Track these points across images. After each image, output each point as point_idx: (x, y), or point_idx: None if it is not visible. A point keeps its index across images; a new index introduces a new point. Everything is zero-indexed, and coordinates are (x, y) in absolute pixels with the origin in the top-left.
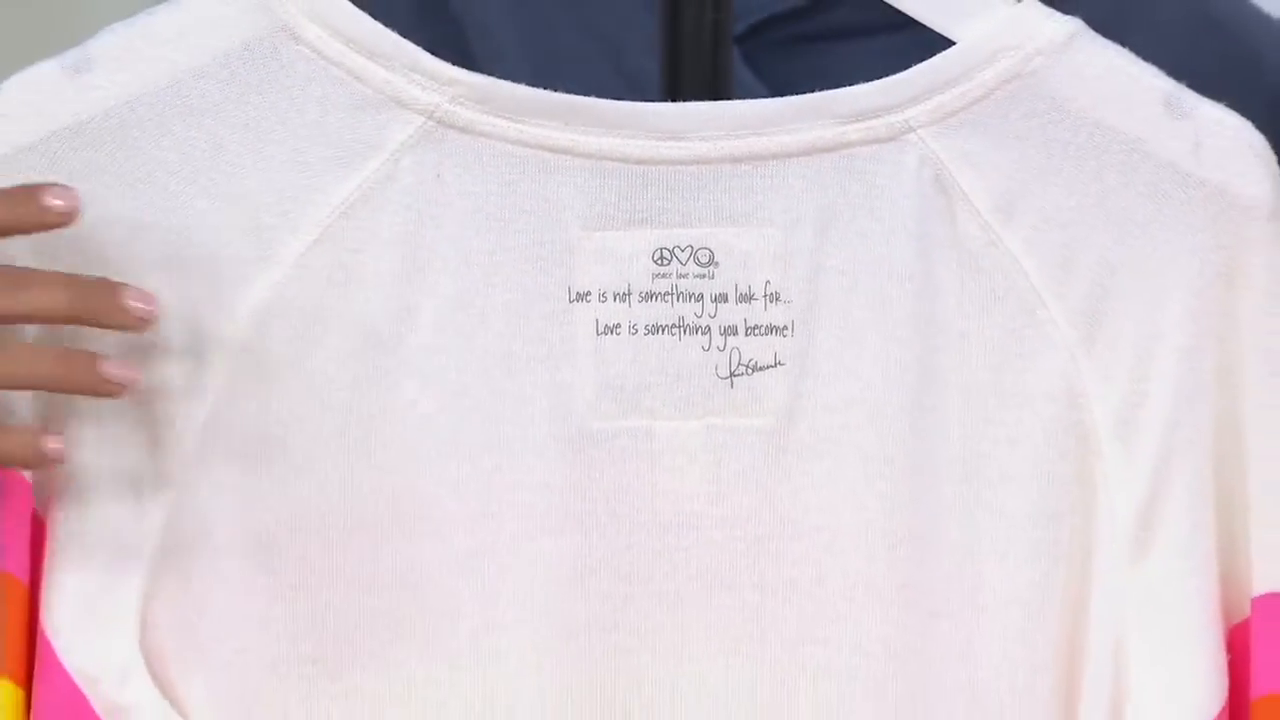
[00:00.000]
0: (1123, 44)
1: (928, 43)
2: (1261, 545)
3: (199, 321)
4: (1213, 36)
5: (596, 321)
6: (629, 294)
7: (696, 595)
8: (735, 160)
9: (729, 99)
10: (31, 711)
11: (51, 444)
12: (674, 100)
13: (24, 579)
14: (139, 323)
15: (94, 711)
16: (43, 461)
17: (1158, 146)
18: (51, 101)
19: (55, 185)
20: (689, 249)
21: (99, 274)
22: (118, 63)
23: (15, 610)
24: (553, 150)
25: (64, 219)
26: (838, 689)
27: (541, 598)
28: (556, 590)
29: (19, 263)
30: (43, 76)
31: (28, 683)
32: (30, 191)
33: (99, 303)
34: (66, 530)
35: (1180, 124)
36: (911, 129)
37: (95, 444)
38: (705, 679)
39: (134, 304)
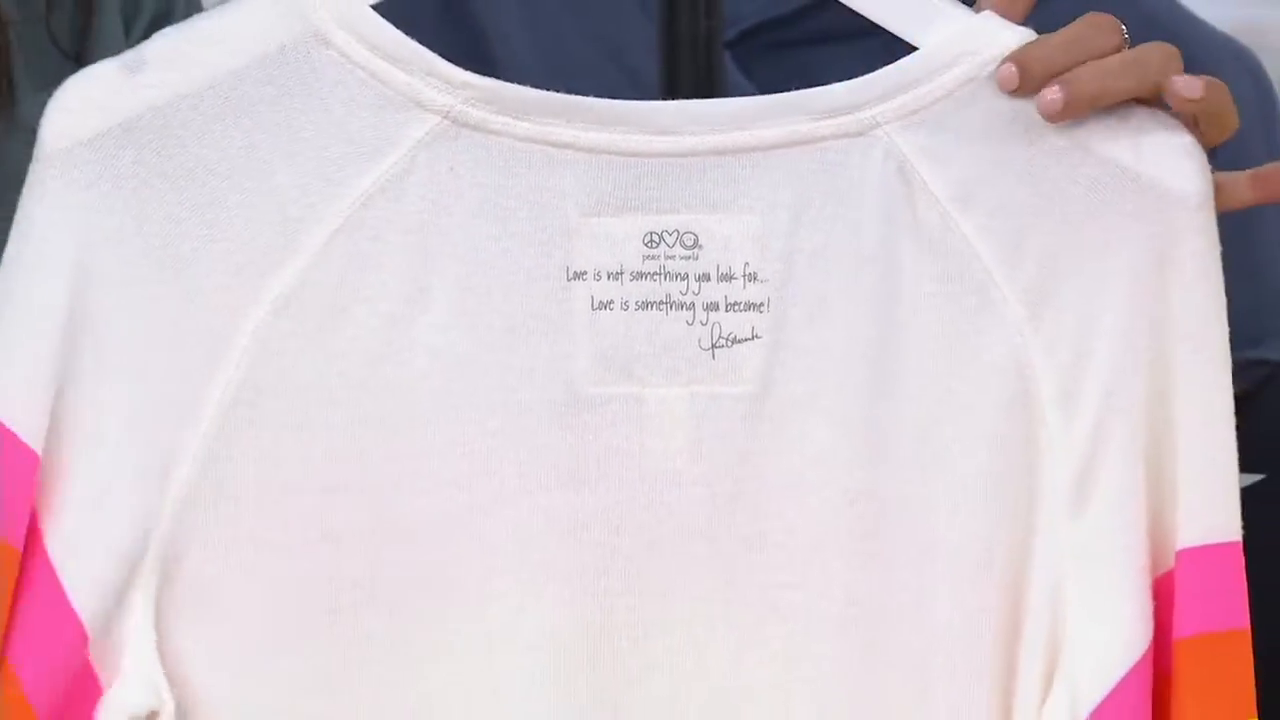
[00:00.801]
0: None
1: (899, 47)
2: (1186, 504)
3: (231, 301)
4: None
5: (592, 298)
6: (621, 273)
7: (679, 545)
8: (719, 153)
9: (721, 98)
10: (22, 641)
11: None
12: (671, 99)
13: (18, 546)
14: None
15: (87, 658)
16: None
17: (1100, 144)
18: (109, 98)
19: None
20: (676, 233)
21: (140, 264)
22: (168, 64)
23: (7, 577)
24: (555, 145)
25: None
26: (804, 630)
27: (539, 546)
28: (553, 540)
29: (84, 255)
30: (102, 75)
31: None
32: None
33: None
34: (86, 492)
35: (1121, 124)
36: (878, 125)
37: (124, 415)
38: (686, 620)
39: None
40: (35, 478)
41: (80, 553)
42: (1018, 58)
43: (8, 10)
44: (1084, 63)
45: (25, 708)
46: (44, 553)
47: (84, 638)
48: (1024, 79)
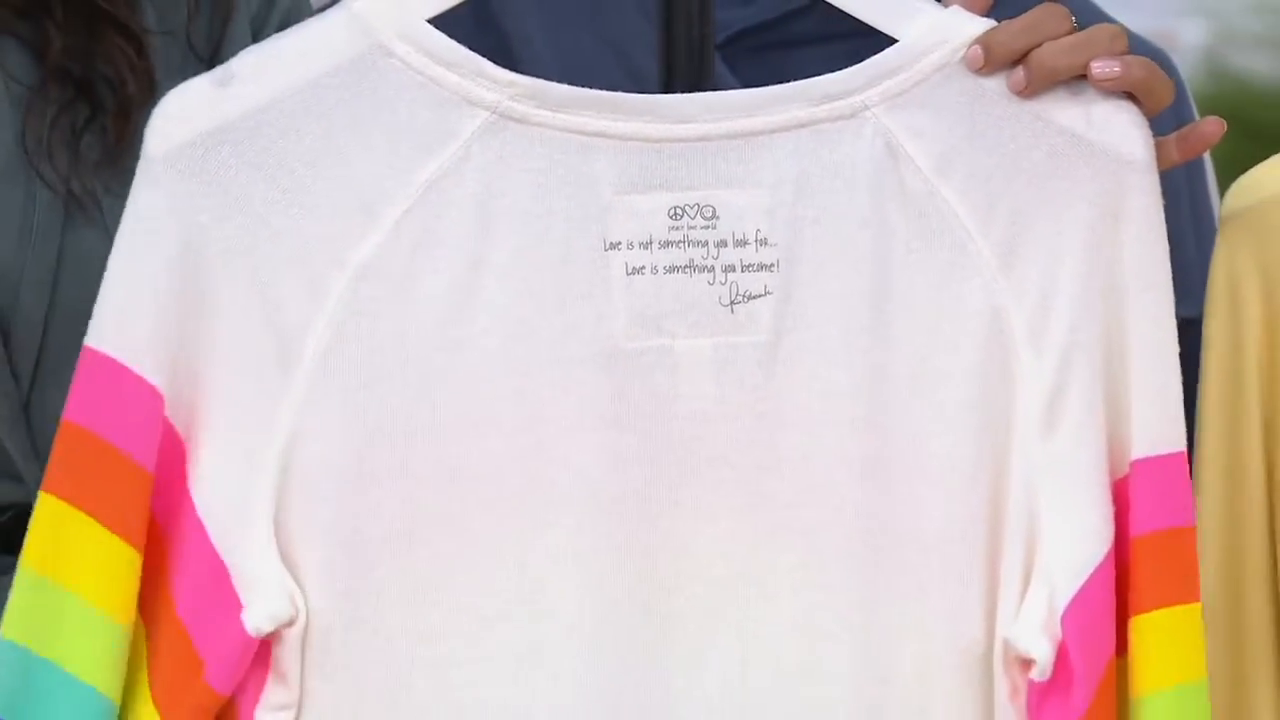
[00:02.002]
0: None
1: (862, 50)
2: (1138, 420)
3: (317, 275)
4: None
5: (626, 264)
6: (651, 242)
7: (708, 473)
8: (731, 137)
9: (712, 91)
10: (178, 575)
11: None
12: (670, 93)
13: (151, 470)
14: None
15: (230, 580)
16: None
17: (1058, 116)
18: (204, 107)
19: None
20: (696, 206)
21: (238, 238)
22: (254, 77)
23: (142, 497)
24: (589, 134)
25: None
26: (818, 541)
27: (589, 478)
28: (599, 473)
29: (191, 233)
30: (196, 88)
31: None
32: None
33: None
34: (215, 434)
35: (1075, 99)
36: (867, 108)
37: (234, 364)
38: (716, 537)
39: None
40: (164, 413)
41: (212, 488)
42: (982, 41)
43: (149, 21)
44: (1040, 44)
45: (179, 628)
46: (188, 493)
47: (222, 565)
48: (988, 59)
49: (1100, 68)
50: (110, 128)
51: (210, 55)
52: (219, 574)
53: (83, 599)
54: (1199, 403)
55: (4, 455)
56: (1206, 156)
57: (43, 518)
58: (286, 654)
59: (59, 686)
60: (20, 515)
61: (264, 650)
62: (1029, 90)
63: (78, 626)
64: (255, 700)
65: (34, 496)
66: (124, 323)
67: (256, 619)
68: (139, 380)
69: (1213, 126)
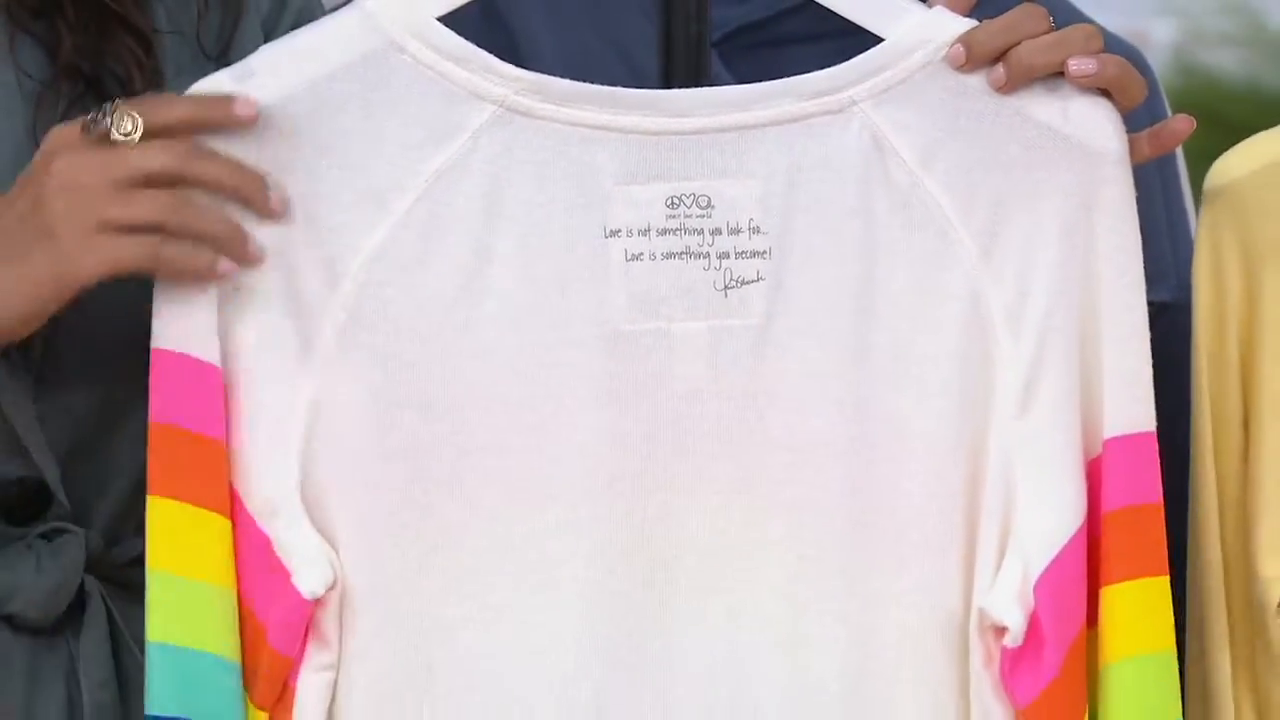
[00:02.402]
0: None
1: (850, 48)
2: (1111, 401)
3: (332, 261)
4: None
5: (626, 251)
6: (649, 230)
7: (702, 449)
8: (726, 130)
9: (708, 87)
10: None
11: (241, 106)
12: (668, 88)
13: (225, 441)
14: (272, 211)
15: (274, 551)
16: (244, 119)
17: (1036, 112)
18: None
19: (242, 98)
20: (692, 196)
21: (266, 233)
22: (270, 72)
23: (223, 466)
24: (592, 127)
25: (245, 122)
26: (805, 516)
27: (589, 454)
28: (598, 449)
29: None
30: (218, 83)
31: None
32: (223, 98)
33: (253, 189)
34: (244, 413)
35: (1052, 95)
36: (855, 103)
37: (259, 346)
38: (709, 510)
39: (273, 197)
40: (223, 390)
41: (243, 465)
42: (964, 39)
43: (159, 21)
44: (1019, 43)
45: (247, 612)
46: (229, 482)
47: (264, 536)
48: (970, 56)
49: (1076, 65)
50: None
51: (219, 54)
52: (263, 545)
53: (210, 584)
54: (1193, 367)
55: (9, 429)
56: (1178, 148)
57: (156, 519)
58: (326, 617)
59: (217, 672)
60: (25, 488)
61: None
62: (1008, 86)
63: (215, 612)
64: (300, 663)
65: (37, 469)
66: (183, 317)
67: (309, 582)
68: (203, 365)
69: (1183, 124)
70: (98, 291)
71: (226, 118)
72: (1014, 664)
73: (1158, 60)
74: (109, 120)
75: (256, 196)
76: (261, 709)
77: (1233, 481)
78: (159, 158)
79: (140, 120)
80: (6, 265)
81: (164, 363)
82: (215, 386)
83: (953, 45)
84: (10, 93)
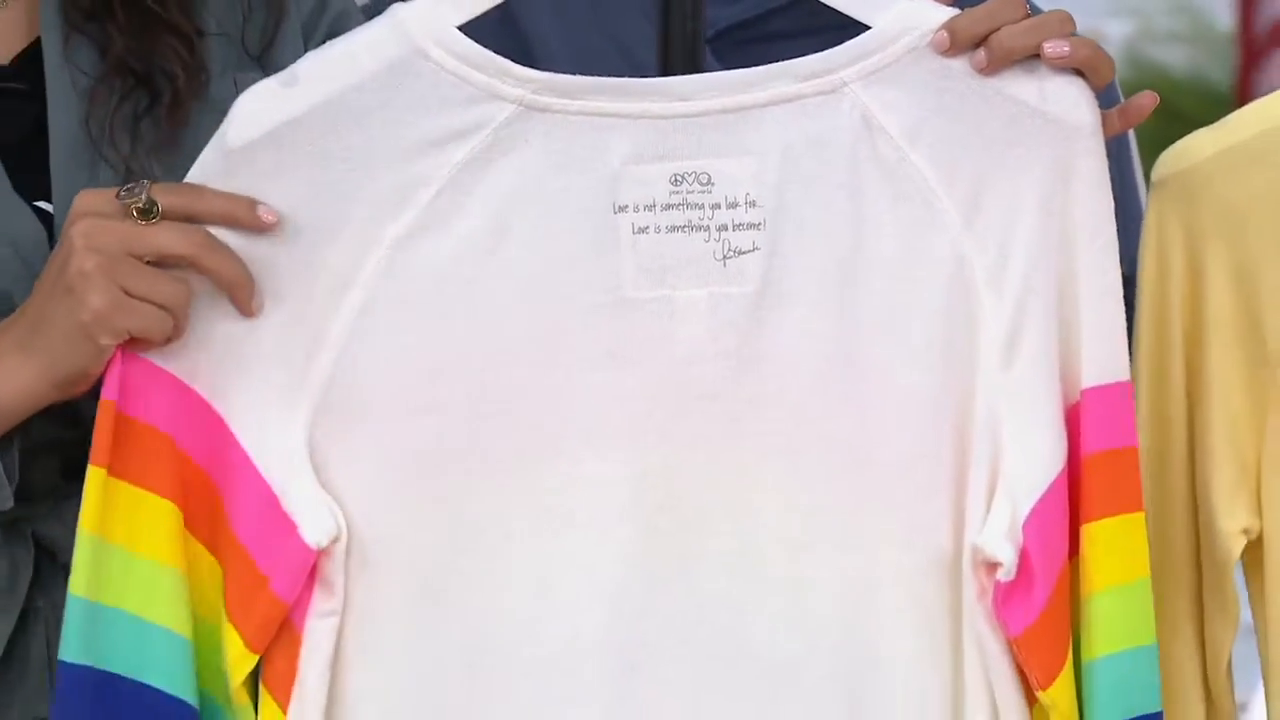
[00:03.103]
0: None
1: (834, 44)
2: (1088, 354)
3: (357, 245)
4: None
5: (633, 225)
6: (654, 206)
7: (701, 406)
8: (725, 112)
9: None
10: (234, 510)
11: (264, 211)
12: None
13: (166, 430)
14: (251, 312)
15: (281, 506)
16: (259, 224)
17: (1014, 90)
18: (272, 105)
19: (264, 204)
20: (694, 174)
21: (301, 209)
22: (312, 79)
23: (166, 454)
24: (601, 115)
25: (265, 227)
26: (800, 465)
27: (598, 413)
28: (608, 407)
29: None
30: (268, 88)
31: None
32: (250, 201)
33: (242, 291)
34: (254, 386)
35: (1029, 75)
36: (846, 84)
37: (277, 319)
38: (708, 462)
39: (264, 214)
40: (183, 383)
41: (257, 430)
42: (948, 25)
43: (207, 24)
44: (999, 28)
45: (244, 554)
46: (235, 440)
47: (272, 493)
48: (953, 41)
49: (1052, 47)
50: (164, 116)
51: (260, 55)
52: (270, 502)
53: (131, 551)
54: (1133, 346)
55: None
56: (1131, 134)
57: (91, 487)
58: (332, 567)
59: (131, 630)
60: (84, 449)
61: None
62: (989, 68)
63: (135, 576)
64: (305, 610)
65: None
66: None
67: (314, 534)
68: (152, 366)
69: (1148, 100)
70: None
71: (250, 220)
72: (1006, 597)
73: (1112, 55)
74: (139, 197)
75: (242, 298)
76: (254, 652)
77: (1177, 446)
78: (177, 245)
79: (160, 206)
80: (48, 321)
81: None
82: (161, 381)
83: (937, 31)
84: (66, 89)
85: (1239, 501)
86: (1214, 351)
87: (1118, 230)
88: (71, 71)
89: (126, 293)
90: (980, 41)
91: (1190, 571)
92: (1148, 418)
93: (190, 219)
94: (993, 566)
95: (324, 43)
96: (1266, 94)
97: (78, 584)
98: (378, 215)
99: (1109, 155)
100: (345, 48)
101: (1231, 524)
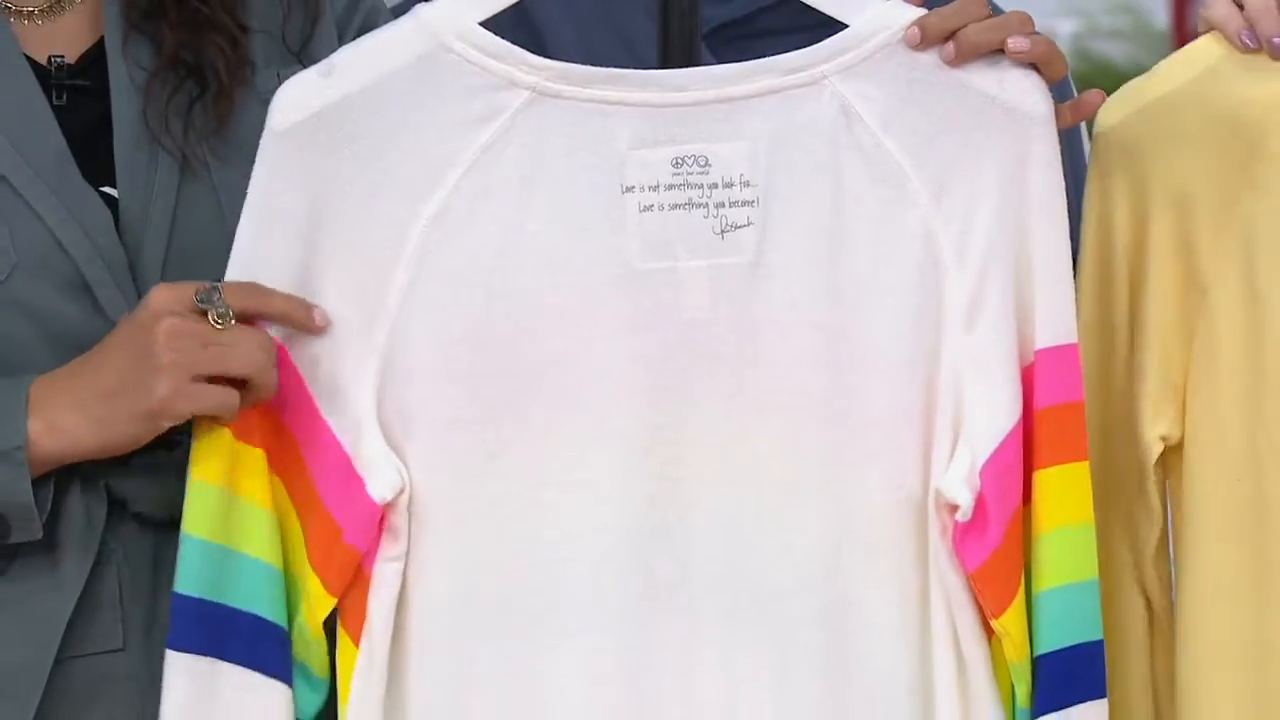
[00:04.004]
0: None
1: (817, 40)
2: (1041, 319)
3: (399, 223)
4: None
5: (639, 204)
6: (658, 186)
7: (703, 367)
8: (719, 101)
9: None
10: (314, 468)
11: (317, 315)
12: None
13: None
14: (317, 329)
15: (353, 466)
16: (312, 327)
17: (977, 83)
18: (311, 94)
19: (319, 308)
20: (694, 156)
21: (343, 194)
22: (347, 69)
23: (262, 410)
24: (609, 103)
25: (316, 330)
26: (790, 418)
27: (613, 373)
28: (621, 367)
29: (302, 193)
30: (307, 79)
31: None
32: (308, 305)
33: (300, 316)
34: (331, 353)
35: (990, 70)
36: (826, 77)
37: (341, 297)
38: (710, 416)
39: (317, 317)
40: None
41: (330, 396)
42: (919, 22)
43: (250, 22)
44: (966, 25)
45: (322, 507)
46: (315, 406)
47: (345, 453)
48: (924, 37)
49: (1014, 43)
50: (212, 105)
51: (300, 50)
52: (343, 460)
53: (235, 494)
54: (1078, 264)
55: None
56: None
57: (199, 439)
58: (397, 517)
59: (235, 564)
60: None
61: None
62: (956, 60)
63: (238, 516)
64: (374, 555)
65: None
66: (250, 273)
67: (380, 489)
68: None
69: (1096, 97)
70: (198, 251)
71: (304, 323)
72: (964, 535)
73: (1062, 50)
74: (214, 300)
75: (304, 321)
76: (332, 595)
77: (1120, 355)
78: (245, 368)
79: (232, 313)
80: (118, 398)
81: None
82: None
83: (909, 28)
84: (126, 83)
85: (1162, 413)
86: (1152, 272)
87: (1073, 207)
88: (130, 67)
89: (200, 377)
90: (948, 36)
91: (1124, 473)
92: (1092, 326)
93: (258, 317)
94: (953, 508)
95: (357, 38)
96: None
97: (190, 525)
98: (414, 192)
99: (1062, 141)
100: (376, 42)
101: (1151, 432)
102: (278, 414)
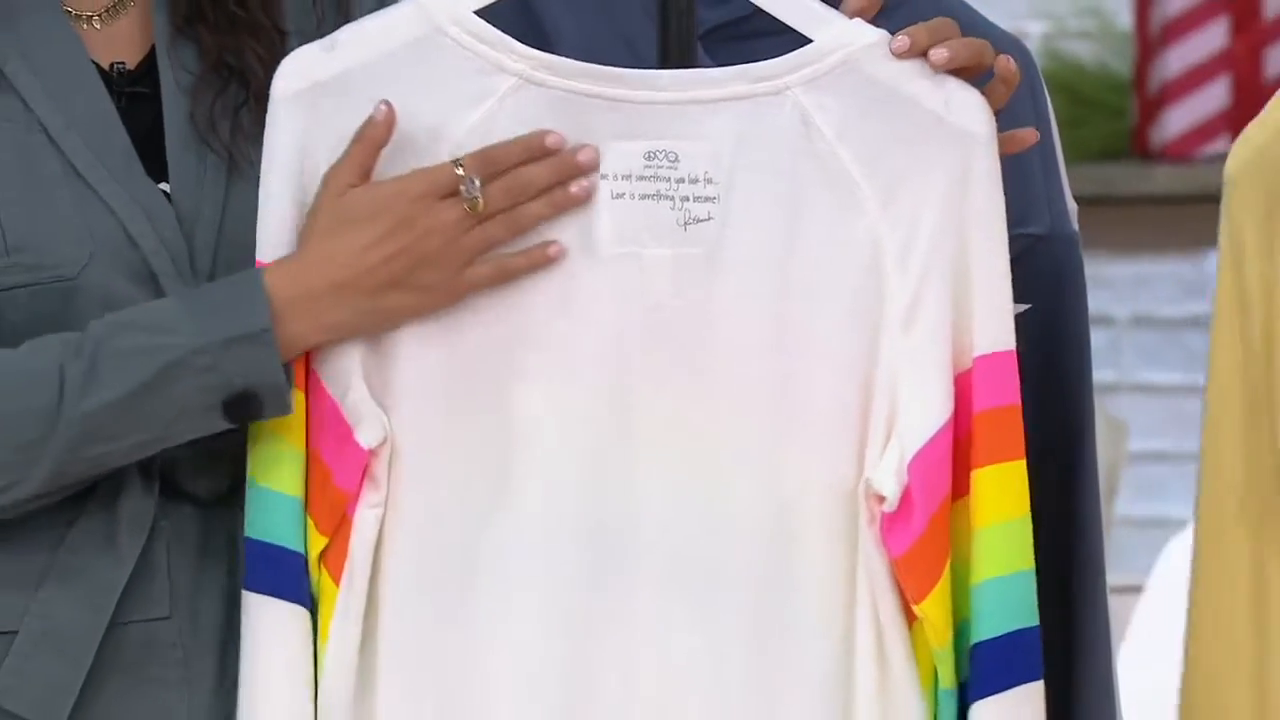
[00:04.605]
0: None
1: (801, 41)
2: (979, 326)
3: None
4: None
5: (611, 192)
6: (630, 176)
7: (662, 345)
8: (690, 103)
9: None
10: (311, 414)
11: (552, 249)
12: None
13: None
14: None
15: (341, 413)
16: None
17: (925, 101)
18: (314, 66)
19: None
20: (664, 152)
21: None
22: (349, 46)
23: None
24: (589, 96)
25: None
26: (738, 403)
27: (580, 345)
28: (589, 341)
29: (305, 157)
30: (309, 52)
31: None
32: (571, 163)
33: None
34: None
35: (938, 89)
36: (789, 88)
37: None
38: (669, 394)
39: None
40: None
41: (323, 356)
42: (909, 34)
43: (286, 24)
44: (945, 40)
45: (316, 452)
46: (310, 359)
47: (335, 404)
48: (912, 47)
49: (934, 56)
50: (254, 105)
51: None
52: (334, 409)
53: (278, 439)
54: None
55: None
56: (1050, 109)
57: None
58: (378, 466)
59: (280, 503)
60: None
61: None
62: (947, 66)
63: (287, 461)
64: (357, 502)
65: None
66: (272, 238)
67: (366, 436)
68: None
69: (1030, 135)
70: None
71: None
72: (890, 524)
73: (1032, 50)
74: (473, 191)
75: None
76: (324, 535)
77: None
78: (496, 233)
79: (481, 195)
80: (387, 293)
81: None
82: None
83: (898, 38)
84: (172, 87)
85: None
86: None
87: (1041, 195)
88: (177, 71)
89: (471, 257)
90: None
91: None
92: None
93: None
94: (880, 498)
95: None
96: (1158, 82)
97: (251, 473)
98: (407, 162)
99: (1029, 122)
100: (377, 23)
101: None
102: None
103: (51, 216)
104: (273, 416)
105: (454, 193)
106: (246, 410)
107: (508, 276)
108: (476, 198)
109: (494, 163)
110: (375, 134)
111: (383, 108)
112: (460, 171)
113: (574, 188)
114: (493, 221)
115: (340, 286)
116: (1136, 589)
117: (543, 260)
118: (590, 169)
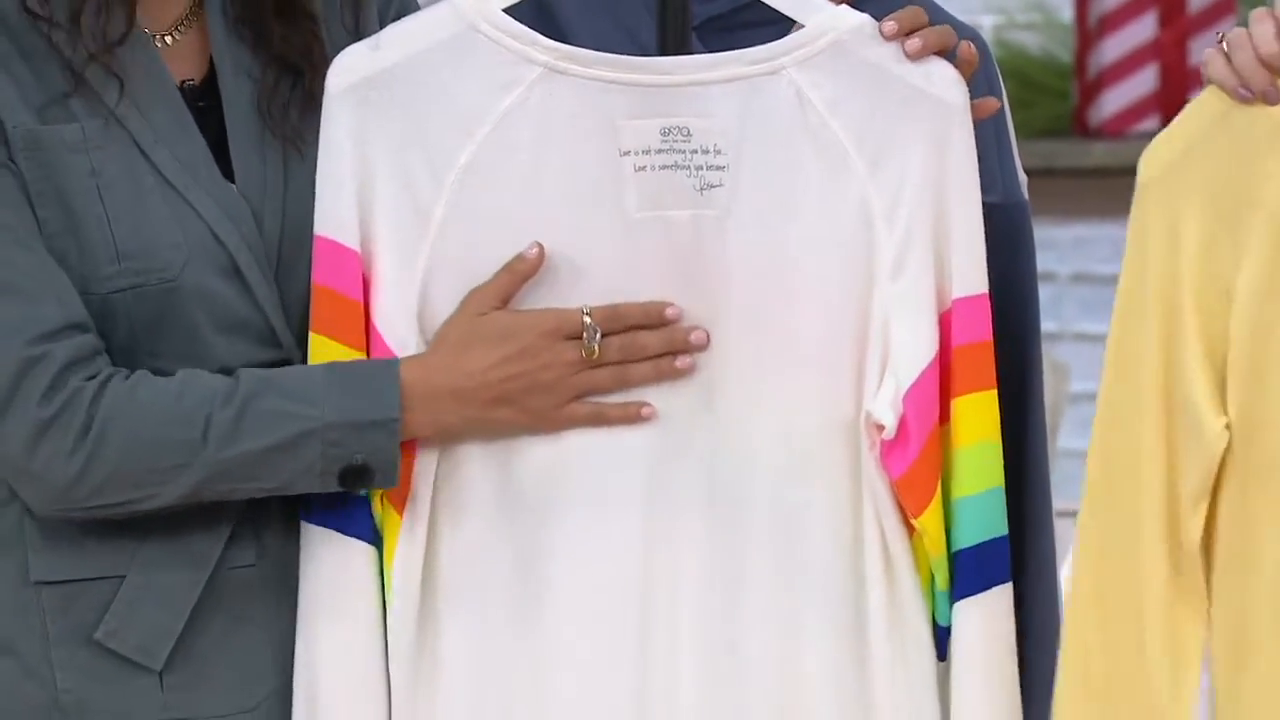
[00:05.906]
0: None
1: (785, 31)
2: (957, 273)
3: (437, 171)
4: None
5: (634, 165)
6: (650, 150)
7: (687, 295)
8: (698, 84)
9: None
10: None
11: (645, 409)
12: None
13: (361, 302)
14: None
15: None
16: (638, 418)
17: (908, 77)
18: (362, 64)
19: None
20: (678, 128)
21: (389, 143)
22: (392, 44)
23: (361, 320)
24: (608, 81)
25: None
26: (750, 343)
27: (614, 300)
28: (618, 298)
29: (360, 145)
30: (358, 50)
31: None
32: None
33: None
34: (383, 277)
35: (919, 65)
36: (785, 68)
37: (390, 230)
38: (688, 320)
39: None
40: (360, 267)
41: (383, 309)
42: (896, 19)
43: (316, 8)
44: (923, 28)
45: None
46: (372, 317)
47: (394, 356)
48: (899, 30)
49: (908, 44)
50: (307, 95)
51: (354, 28)
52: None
53: None
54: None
55: (266, 321)
56: (1004, 92)
57: (317, 349)
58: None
59: None
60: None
61: None
62: (920, 54)
63: None
64: (417, 443)
65: (287, 356)
66: (331, 213)
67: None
68: (345, 249)
69: (993, 104)
70: (305, 219)
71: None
72: (889, 450)
73: (985, 39)
74: (594, 340)
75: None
76: None
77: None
78: (603, 381)
79: (599, 346)
80: (499, 407)
81: (320, 245)
82: (352, 262)
83: (886, 23)
84: (233, 96)
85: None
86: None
87: (995, 168)
88: (238, 76)
89: (575, 398)
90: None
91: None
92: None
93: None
94: (880, 427)
95: (394, 21)
96: (1096, 68)
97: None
98: (449, 145)
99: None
100: (416, 23)
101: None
102: (370, 315)
103: (151, 225)
104: (379, 488)
105: (577, 335)
106: (359, 481)
107: (601, 423)
108: (595, 347)
109: (618, 319)
110: (524, 269)
111: (535, 248)
112: (588, 320)
113: (679, 362)
114: (603, 370)
115: (460, 393)
116: (1076, 513)
117: (635, 419)
118: (699, 349)
